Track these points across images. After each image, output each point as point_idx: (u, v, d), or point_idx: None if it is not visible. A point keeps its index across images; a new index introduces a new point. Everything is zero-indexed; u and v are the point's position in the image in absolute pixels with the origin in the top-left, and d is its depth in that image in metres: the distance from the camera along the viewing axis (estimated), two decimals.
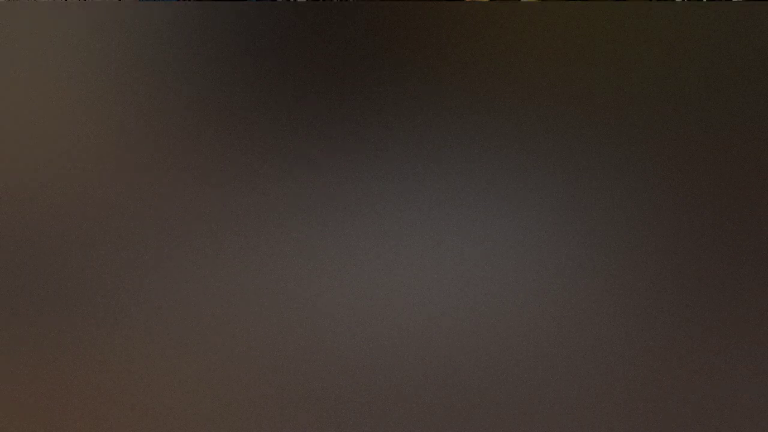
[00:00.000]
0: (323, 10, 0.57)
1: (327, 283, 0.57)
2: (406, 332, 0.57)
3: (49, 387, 0.57)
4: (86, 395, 0.57)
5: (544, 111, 0.57)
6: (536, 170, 0.57)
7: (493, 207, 0.57)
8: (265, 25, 0.57)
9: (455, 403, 0.57)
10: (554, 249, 0.57)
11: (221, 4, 0.57)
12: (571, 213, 0.57)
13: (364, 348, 0.57)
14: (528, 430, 0.56)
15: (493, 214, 0.57)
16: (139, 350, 0.57)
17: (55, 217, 0.57)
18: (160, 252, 0.57)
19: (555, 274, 0.57)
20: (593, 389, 0.56)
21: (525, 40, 0.57)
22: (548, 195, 0.57)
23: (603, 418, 0.56)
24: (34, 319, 0.57)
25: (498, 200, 0.57)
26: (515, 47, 0.57)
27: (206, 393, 0.57)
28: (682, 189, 0.57)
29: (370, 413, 0.57)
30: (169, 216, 0.57)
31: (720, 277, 0.56)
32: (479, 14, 0.57)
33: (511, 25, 0.57)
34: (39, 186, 0.57)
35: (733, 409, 0.56)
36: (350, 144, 0.57)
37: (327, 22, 0.57)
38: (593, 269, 0.57)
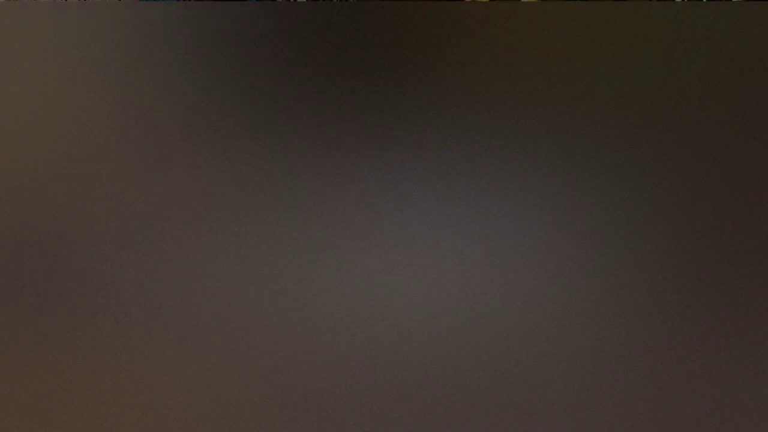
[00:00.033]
0: (323, 10, 0.57)
1: (327, 283, 0.57)
2: (406, 332, 0.57)
3: (49, 387, 0.57)
4: (86, 395, 0.57)
5: (544, 111, 0.57)
6: (536, 170, 0.57)
7: (493, 207, 0.57)
8: (265, 25, 0.57)
9: (455, 403, 0.57)
10: (554, 249, 0.57)
11: (221, 4, 0.57)
12: (571, 213, 0.57)
13: (364, 348, 0.57)
14: (528, 430, 0.56)
15: (493, 214, 0.57)
16: (139, 350, 0.57)
17: (55, 217, 0.57)
18: (160, 252, 0.57)
19: (555, 274, 0.57)
20: (593, 389, 0.56)
21: (525, 40, 0.57)
22: (548, 195, 0.57)
23: (603, 418, 0.56)
24: (34, 319, 0.57)
25: (498, 200, 0.57)
26: (515, 47, 0.57)
27: (206, 393, 0.57)
28: (682, 189, 0.57)
29: (370, 413, 0.57)
30: (169, 216, 0.57)
31: (720, 277, 0.56)
32: (479, 14, 0.57)
33: (511, 25, 0.57)
34: (39, 186, 0.57)
35: (733, 409, 0.56)
36: (350, 144, 0.57)
37: (327, 22, 0.57)
38: (593, 269, 0.57)
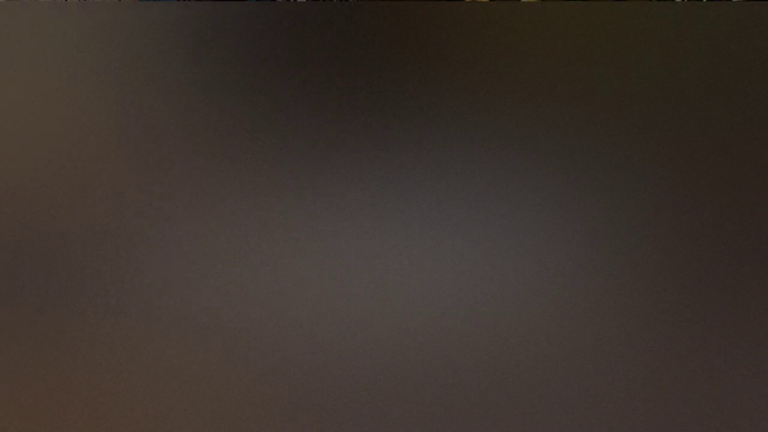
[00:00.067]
0: (323, 10, 0.57)
1: (327, 283, 0.57)
2: (406, 332, 0.57)
3: (49, 387, 0.57)
4: (86, 395, 0.57)
5: (544, 111, 0.57)
6: (536, 170, 0.57)
7: (493, 207, 0.57)
8: (265, 25, 0.57)
9: (455, 403, 0.57)
10: (554, 249, 0.57)
11: (221, 4, 0.57)
12: (571, 213, 0.57)
13: (364, 348, 0.57)
14: (528, 430, 0.56)
15: (493, 214, 0.57)
16: (139, 350, 0.57)
17: (55, 217, 0.57)
18: (160, 252, 0.57)
19: (555, 274, 0.57)
20: (593, 389, 0.56)
21: (525, 40, 0.57)
22: (548, 195, 0.57)
23: (603, 418, 0.56)
24: (34, 319, 0.57)
25: (498, 200, 0.57)
26: (515, 47, 0.57)
27: (206, 393, 0.57)
28: (682, 189, 0.57)
29: (370, 413, 0.57)
30: (169, 216, 0.57)
31: (720, 277, 0.56)
32: (479, 14, 0.57)
33: (511, 25, 0.57)
34: (39, 186, 0.57)
35: (733, 409, 0.56)
36: (350, 144, 0.57)
37: (327, 22, 0.57)
38: (593, 269, 0.57)
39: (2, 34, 0.57)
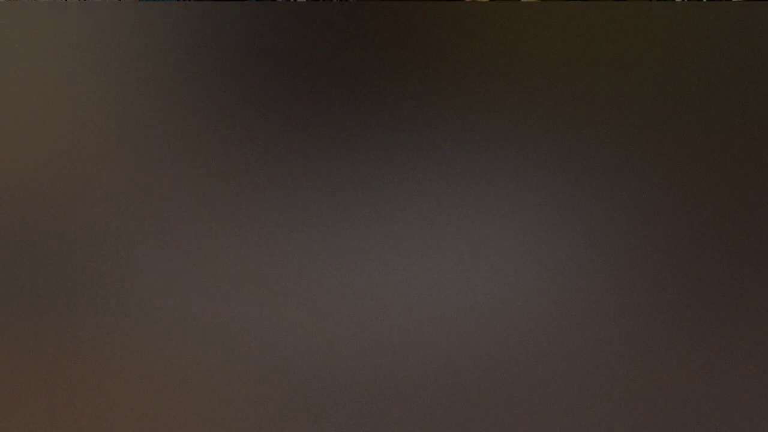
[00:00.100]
0: (323, 10, 0.57)
1: (327, 283, 0.57)
2: (406, 332, 0.57)
3: (49, 386, 0.57)
4: (86, 395, 0.57)
5: (544, 111, 0.57)
6: (536, 170, 0.57)
7: (493, 207, 0.57)
8: (265, 25, 0.57)
9: (455, 403, 0.57)
10: (554, 249, 0.57)
11: (221, 4, 0.57)
12: (571, 213, 0.57)
13: (364, 348, 0.57)
14: (528, 430, 0.56)
15: (493, 214, 0.57)
16: (139, 350, 0.57)
17: (55, 217, 0.57)
18: (160, 252, 0.57)
19: (555, 274, 0.57)
20: (593, 389, 0.56)
21: (525, 40, 0.57)
22: (548, 195, 0.57)
23: (603, 418, 0.56)
24: (34, 319, 0.57)
25: (498, 200, 0.57)
26: (515, 47, 0.57)
27: (206, 393, 0.57)
28: (682, 189, 0.57)
29: (370, 413, 0.57)
30: (169, 216, 0.57)
31: (720, 277, 0.56)
32: (479, 14, 0.57)
33: (511, 25, 0.57)
34: (39, 186, 0.57)
35: (733, 409, 0.56)
36: (350, 144, 0.57)
37: (327, 22, 0.57)
38: (593, 269, 0.57)
39: (2, 34, 0.57)
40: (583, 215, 0.57)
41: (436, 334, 0.57)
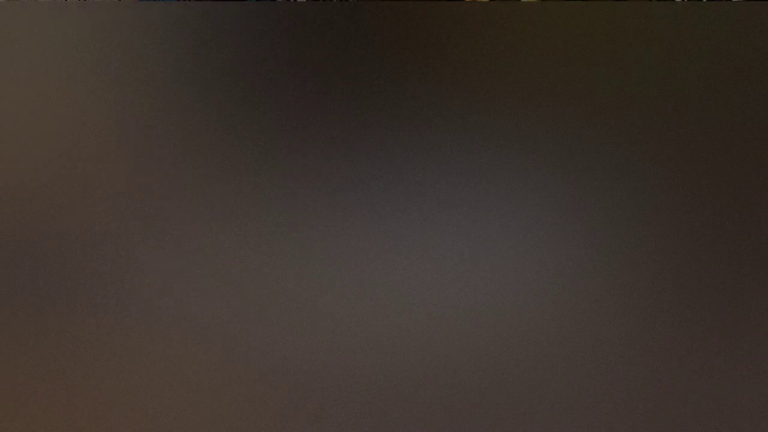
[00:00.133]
0: (323, 10, 0.57)
1: (327, 283, 0.57)
2: (405, 332, 0.57)
3: (49, 386, 0.57)
4: (86, 395, 0.57)
5: (544, 111, 0.57)
6: (536, 170, 0.57)
7: (493, 207, 0.57)
8: (265, 25, 0.57)
9: (455, 403, 0.57)
10: (554, 249, 0.57)
11: (221, 4, 0.57)
12: (571, 213, 0.57)
13: (364, 348, 0.57)
14: (528, 430, 0.56)
15: (493, 214, 0.57)
16: (139, 350, 0.57)
17: (55, 217, 0.57)
18: (160, 252, 0.57)
19: (555, 274, 0.57)
20: (593, 389, 0.56)
21: (525, 40, 0.57)
22: (548, 195, 0.57)
23: (603, 418, 0.56)
24: (34, 319, 0.57)
25: (498, 200, 0.57)
26: (515, 47, 0.57)
27: (206, 393, 0.57)
28: (682, 189, 0.57)
29: (370, 413, 0.57)
30: (169, 216, 0.57)
31: (720, 277, 0.56)
32: (479, 14, 0.57)
33: (511, 25, 0.57)
34: (39, 186, 0.57)
35: (733, 409, 0.56)
36: (350, 144, 0.57)
37: (327, 22, 0.57)
38: (593, 269, 0.57)
39: (2, 34, 0.57)
40: (583, 215, 0.57)
41: (436, 334, 0.57)
